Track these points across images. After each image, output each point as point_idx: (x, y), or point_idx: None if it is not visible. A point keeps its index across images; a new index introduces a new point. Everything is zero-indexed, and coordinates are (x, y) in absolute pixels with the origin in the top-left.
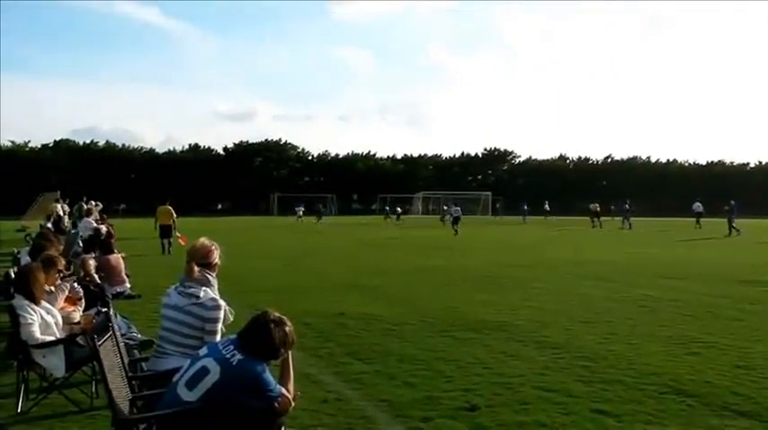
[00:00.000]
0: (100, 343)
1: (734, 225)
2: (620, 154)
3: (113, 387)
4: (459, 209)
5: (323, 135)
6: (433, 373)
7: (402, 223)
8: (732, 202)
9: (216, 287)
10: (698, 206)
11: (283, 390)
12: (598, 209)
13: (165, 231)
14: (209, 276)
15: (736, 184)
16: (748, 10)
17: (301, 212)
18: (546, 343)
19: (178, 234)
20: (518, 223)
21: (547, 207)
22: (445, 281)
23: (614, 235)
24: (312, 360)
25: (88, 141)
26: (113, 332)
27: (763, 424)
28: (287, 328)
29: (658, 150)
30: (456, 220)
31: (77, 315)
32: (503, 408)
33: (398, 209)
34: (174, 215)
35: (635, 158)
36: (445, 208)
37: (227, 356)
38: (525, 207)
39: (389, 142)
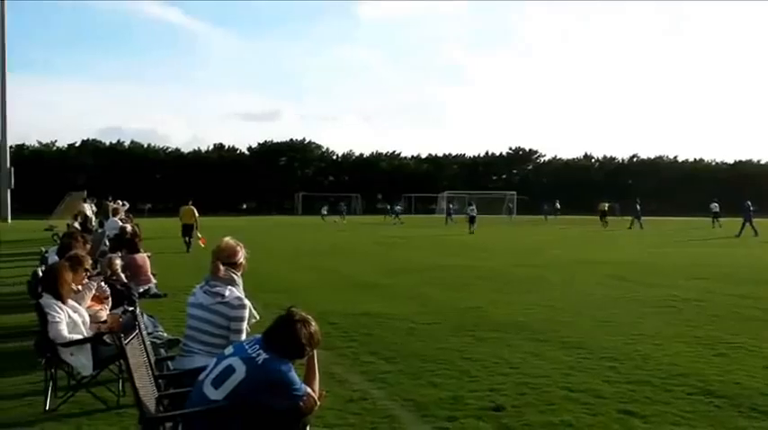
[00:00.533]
0: (126, 341)
1: (753, 225)
2: (646, 153)
3: (140, 385)
4: (474, 208)
5: (347, 135)
6: (458, 373)
7: (401, 222)
8: (748, 202)
9: (241, 286)
10: (715, 206)
11: (308, 390)
12: (606, 208)
13: (188, 230)
14: (234, 275)
15: (764, 184)
16: None
17: (325, 211)
18: (571, 343)
19: (199, 235)
20: (537, 223)
21: (557, 205)
22: (467, 280)
23: (629, 235)
24: (337, 359)
25: (114, 141)
26: (140, 331)
27: None
28: (312, 328)
29: (685, 149)
30: (472, 220)
31: (104, 314)
32: (528, 409)
33: (398, 207)
34: (197, 215)
35: (661, 158)
36: (452, 206)
37: (253, 355)
38: (546, 206)
39: (414, 142)
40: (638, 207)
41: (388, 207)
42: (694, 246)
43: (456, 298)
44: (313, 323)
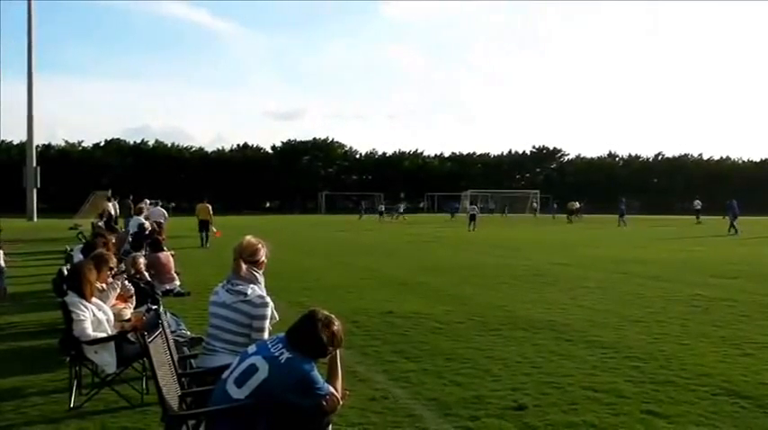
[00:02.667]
0: (150, 340)
1: (734, 224)
2: (672, 151)
3: (163, 383)
4: (475, 207)
5: (372, 133)
6: (481, 372)
7: (404, 221)
8: (733, 201)
9: (263, 284)
10: (697, 203)
11: (331, 389)
12: (575, 207)
13: (204, 225)
14: (256, 274)
15: None
16: None
17: (383, 208)
18: (595, 342)
19: (214, 229)
20: (560, 222)
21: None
22: (492, 279)
23: (621, 233)
24: (360, 358)
25: (139, 140)
26: (163, 329)
27: None
28: (335, 327)
29: (711, 147)
30: (473, 218)
31: (128, 312)
32: (551, 408)
33: (401, 207)
34: (211, 211)
35: (686, 156)
36: (457, 205)
37: (276, 354)
38: (555, 205)
39: (438, 140)
40: (623, 206)
41: (385, 207)
42: (711, 245)
43: (482, 296)
44: (336, 322)
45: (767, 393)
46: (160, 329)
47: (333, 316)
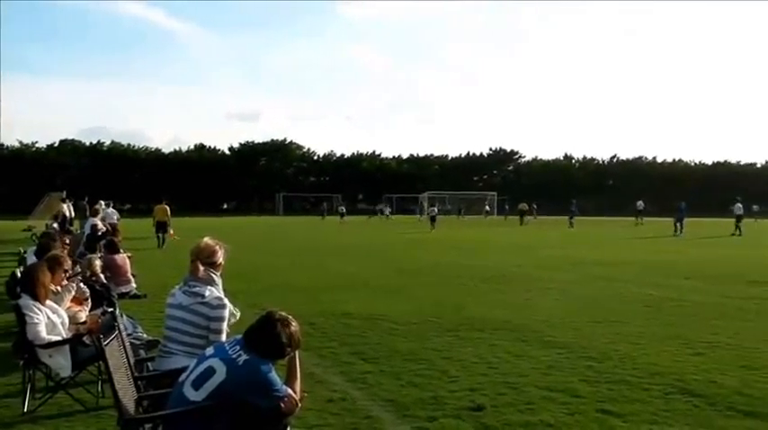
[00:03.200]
0: (106, 343)
1: (682, 224)
2: (627, 154)
3: (119, 386)
4: (435, 209)
5: (330, 135)
6: (438, 373)
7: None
8: (683, 203)
9: (221, 286)
10: (640, 204)
11: (289, 391)
12: (525, 208)
13: (161, 227)
14: (213, 275)
15: (743, 184)
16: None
17: (388, 212)
18: (551, 343)
19: (171, 231)
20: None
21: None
22: (450, 280)
23: (571, 235)
24: (317, 359)
25: (94, 141)
26: (119, 332)
27: None
28: (293, 328)
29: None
30: (433, 219)
31: (83, 315)
32: (508, 408)
33: (387, 208)
34: (169, 213)
35: (641, 158)
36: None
37: (234, 356)
38: (506, 207)
39: (396, 142)
40: (574, 208)
41: (377, 208)
42: (662, 246)
43: (440, 297)
44: (293, 323)
45: (718, 391)
46: (116, 332)
47: (290, 317)
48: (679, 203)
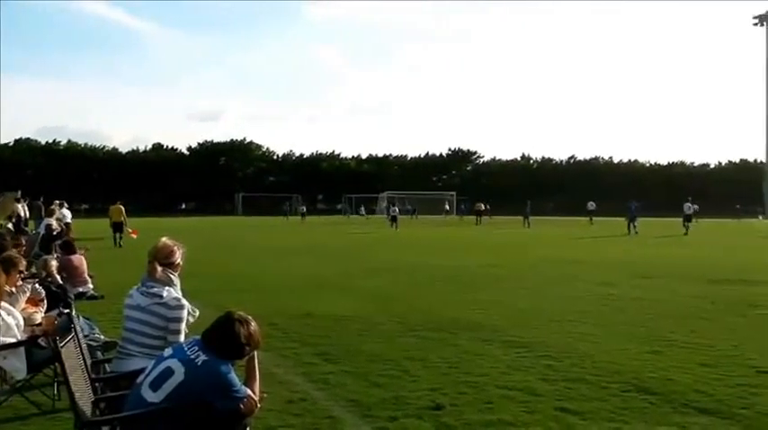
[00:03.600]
0: (62, 344)
1: (635, 223)
2: (583, 154)
3: (76, 389)
4: (396, 209)
5: (292, 134)
6: (401, 373)
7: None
8: (634, 203)
9: (179, 287)
10: (591, 205)
11: (249, 391)
12: (482, 208)
13: (117, 227)
14: (171, 276)
15: (696, 185)
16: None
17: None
18: (512, 342)
19: (129, 229)
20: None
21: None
22: (413, 279)
23: (527, 234)
24: (278, 360)
25: (50, 141)
26: (75, 333)
27: (723, 420)
28: (252, 328)
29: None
30: (394, 218)
31: (39, 316)
32: (467, 408)
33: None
34: (124, 213)
35: (597, 159)
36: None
37: (192, 357)
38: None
39: (356, 142)
40: (528, 209)
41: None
42: (620, 246)
43: (403, 297)
44: (252, 323)
45: (674, 389)
46: (72, 334)
47: (249, 316)
48: (630, 203)
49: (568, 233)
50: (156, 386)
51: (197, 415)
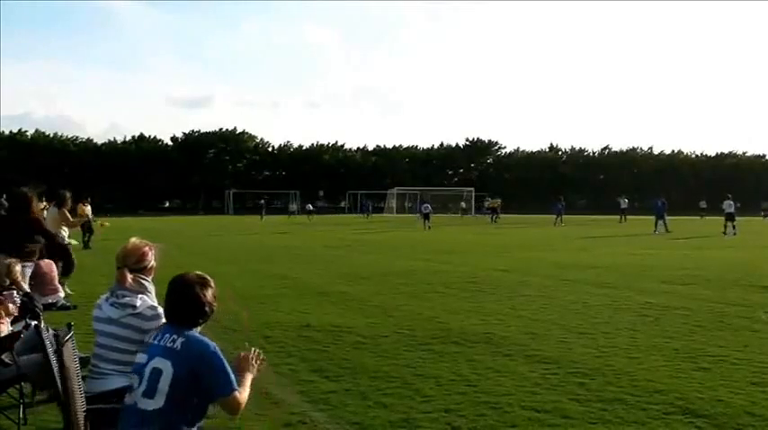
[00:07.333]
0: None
1: (665, 222)
2: (619, 145)
3: None
4: (428, 205)
5: (289, 123)
6: (410, 392)
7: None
8: (660, 199)
9: (153, 293)
10: (623, 202)
11: (241, 390)
12: (497, 205)
13: (86, 227)
14: (144, 282)
15: (749, 178)
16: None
17: (295, 209)
18: (537, 357)
19: (99, 222)
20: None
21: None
22: (424, 287)
23: (557, 234)
24: (273, 378)
25: (15, 130)
26: (44, 348)
27: None
28: (210, 282)
29: (661, 141)
30: (427, 217)
31: (4, 328)
32: None
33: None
34: (90, 210)
35: (635, 150)
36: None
37: (170, 345)
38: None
39: (361, 132)
40: (560, 205)
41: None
42: (655, 248)
43: (411, 306)
44: (209, 278)
45: (724, 411)
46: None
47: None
48: (655, 200)
49: (597, 232)
50: (150, 393)
51: (198, 407)
